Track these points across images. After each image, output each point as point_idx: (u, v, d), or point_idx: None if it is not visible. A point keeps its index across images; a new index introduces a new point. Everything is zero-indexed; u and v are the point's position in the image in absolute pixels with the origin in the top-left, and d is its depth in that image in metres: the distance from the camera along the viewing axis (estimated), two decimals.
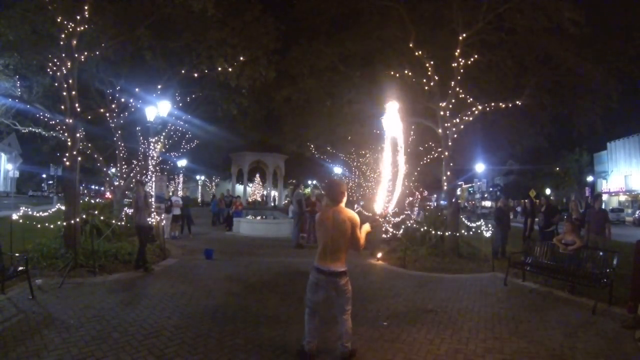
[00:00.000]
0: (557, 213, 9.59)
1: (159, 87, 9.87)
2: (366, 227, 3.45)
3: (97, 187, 47.22)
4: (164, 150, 13.09)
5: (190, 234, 13.00)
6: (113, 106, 10.00)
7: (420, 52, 9.46)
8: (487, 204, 50.37)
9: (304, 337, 3.54)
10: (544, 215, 9.40)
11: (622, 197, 36.88)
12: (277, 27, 10.24)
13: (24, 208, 8.18)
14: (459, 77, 9.24)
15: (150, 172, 9.35)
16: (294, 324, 4.36)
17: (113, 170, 14.06)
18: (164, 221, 9.85)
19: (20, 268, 5.20)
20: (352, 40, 10.81)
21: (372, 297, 5.74)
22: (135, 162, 12.49)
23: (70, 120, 7.46)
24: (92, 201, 12.37)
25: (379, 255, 9.05)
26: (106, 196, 19.40)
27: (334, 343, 3.71)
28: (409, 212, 14.97)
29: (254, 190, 33.07)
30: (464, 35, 8.92)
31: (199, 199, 38.71)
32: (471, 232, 9.88)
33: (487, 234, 9.49)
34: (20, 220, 6.76)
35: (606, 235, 7.62)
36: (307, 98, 13.15)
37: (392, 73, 10.74)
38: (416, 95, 10.75)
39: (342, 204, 3.45)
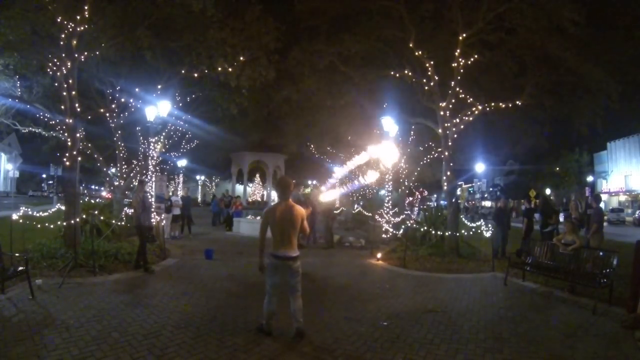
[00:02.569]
0: (554, 213, 9.56)
1: (159, 87, 9.86)
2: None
3: (97, 187, 47.20)
4: (164, 150, 13.08)
5: (190, 234, 13.00)
6: (113, 106, 10.00)
7: (420, 52, 9.46)
8: (487, 204, 50.33)
9: (263, 317, 4.01)
10: (540, 215, 9.39)
11: (622, 197, 36.86)
12: (277, 27, 10.22)
13: (24, 208, 8.18)
14: (459, 77, 9.24)
15: (150, 172, 9.34)
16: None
17: (113, 170, 14.05)
18: (164, 221, 9.85)
19: (20, 268, 5.20)
20: (352, 40, 10.80)
21: (372, 297, 5.75)
22: (135, 162, 12.49)
23: (70, 120, 7.46)
24: (92, 201, 12.38)
25: (379, 255, 9.05)
26: (107, 196, 19.41)
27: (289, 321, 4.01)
28: (409, 212, 14.98)
29: (254, 190, 33.07)
30: (464, 35, 8.92)
31: (199, 199, 38.70)
32: (471, 232, 9.88)
33: (487, 234, 9.49)
34: (20, 220, 6.76)
35: (598, 235, 7.53)
36: (307, 98, 13.15)
37: (392, 73, 10.75)
38: (416, 95, 10.76)
39: (290, 199, 4.04)
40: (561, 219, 10.94)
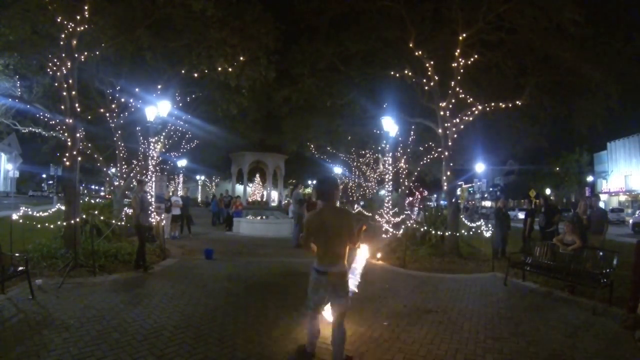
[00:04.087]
0: (557, 213, 9.58)
1: (159, 87, 9.85)
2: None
3: (97, 187, 47.22)
4: (164, 150, 13.08)
5: (190, 234, 13.00)
6: (113, 106, 10.00)
7: (420, 52, 9.46)
8: (487, 204, 50.36)
9: (307, 339, 3.58)
10: (544, 215, 9.40)
11: (622, 197, 36.87)
12: (277, 27, 10.22)
13: (24, 208, 8.17)
14: (459, 77, 9.24)
15: (150, 172, 9.34)
16: (294, 324, 4.36)
17: (113, 170, 14.05)
18: (164, 221, 9.85)
19: (20, 268, 5.20)
20: (352, 40, 10.81)
21: (372, 297, 5.75)
22: (135, 162, 12.49)
23: (70, 120, 7.46)
24: (92, 201, 12.37)
25: (379, 255, 9.05)
26: (106, 196, 19.44)
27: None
28: (409, 212, 14.98)
29: (254, 190, 33.08)
30: (464, 35, 8.92)
31: (199, 199, 38.68)
32: (471, 232, 9.87)
33: (487, 234, 9.49)
34: (20, 220, 6.76)
35: (603, 236, 7.58)
36: (307, 98, 13.16)
37: (392, 73, 10.74)
38: (416, 95, 10.76)
39: (336, 202, 3.44)
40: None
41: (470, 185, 68.60)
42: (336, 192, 3.44)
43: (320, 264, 3.34)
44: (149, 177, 9.16)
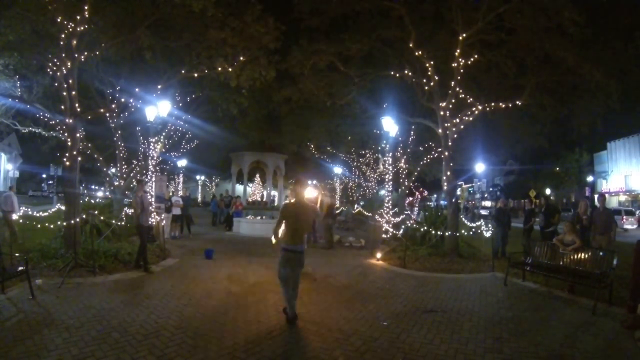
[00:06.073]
0: (557, 213, 9.57)
1: (159, 87, 9.86)
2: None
3: (97, 187, 47.20)
4: (164, 150, 13.09)
5: (190, 234, 12.99)
6: (113, 106, 10.00)
7: (420, 52, 9.46)
8: (487, 203, 50.34)
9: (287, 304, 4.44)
10: (544, 215, 9.39)
11: (622, 197, 36.83)
12: (277, 27, 10.22)
13: (24, 208, 8.19)
14: (459, 77, 9.24)
15: (150, 172, 9.35)
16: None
17: (113, 170, 14.06)
18: (164, 221, 9.85)
19: (20, 268, 5.20)
20: (352, 40, 10.81)
21: (372, 297, 5.75)
22: (135, 162, 12.50)
23: (70, 120, 7.46)
24: (92, 201, 12.39)
25: (379, 255, 9.05)
26: (104, 195, 19.45)
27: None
28: (409, 212, 14.99)
29: (254, 190, 33.08)
30: (464, 35, 8.92)
31: (199, 199, 38.64)
32: (471, 232, 9.87)
33: (487, 234, 9.48)
34: (20, 220, 6.77)
35: (611, 237, 7.49)
36: (307, 98, 13.16)
37: (392, 73, 10.75)
38: (416, 95, 10.76)
39: (303, 198, 4.49)
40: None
41: (470, 185, 68.53)
42: (304, 189, 4.58)
43: (289, 244, 4.29)
44: (149, 177, 9.16)
